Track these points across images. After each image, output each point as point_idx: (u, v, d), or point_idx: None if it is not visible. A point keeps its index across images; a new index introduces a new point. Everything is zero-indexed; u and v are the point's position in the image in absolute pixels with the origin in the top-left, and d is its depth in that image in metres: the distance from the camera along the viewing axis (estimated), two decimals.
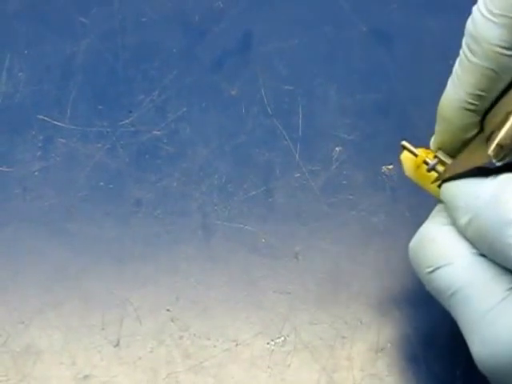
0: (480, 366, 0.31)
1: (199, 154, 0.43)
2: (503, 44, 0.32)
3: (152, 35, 0.46)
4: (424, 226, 0.34)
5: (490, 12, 0.32)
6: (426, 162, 0.35)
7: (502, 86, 0.33)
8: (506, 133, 0.31)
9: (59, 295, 0.40)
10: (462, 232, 0.32)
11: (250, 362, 0.38)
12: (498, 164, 0.32)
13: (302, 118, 0.44)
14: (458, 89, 0.34)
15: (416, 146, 0.36)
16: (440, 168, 0.35)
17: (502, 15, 0.32)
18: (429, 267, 0.33)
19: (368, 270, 0.40)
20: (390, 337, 0.39)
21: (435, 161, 0.35)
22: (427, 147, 0.36)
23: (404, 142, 0.36)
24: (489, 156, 0.31)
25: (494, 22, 0.32)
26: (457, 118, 0.34)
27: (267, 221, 0.41)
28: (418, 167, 0.36)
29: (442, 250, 0.32)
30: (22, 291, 0.40)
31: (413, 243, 0.34)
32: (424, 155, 0.35)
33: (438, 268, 0.32)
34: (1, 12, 0.47)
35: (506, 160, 0.32)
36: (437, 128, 0.35)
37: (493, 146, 0.31)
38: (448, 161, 0.35)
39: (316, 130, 0.43)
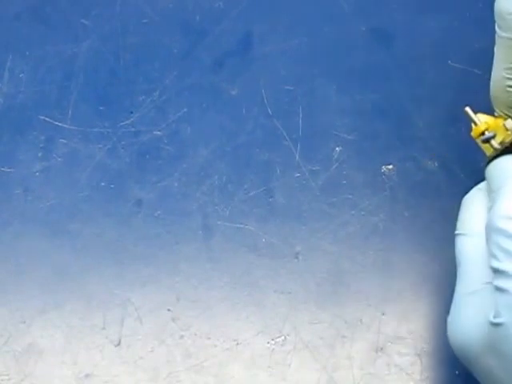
0: (449, 338, 0.33)
1: (200, 155, 0.43)
2: None
3: (153, 36, 0.46)
4: (478, 186, 0.35)
5: None
6: (482, 133, 0.35)
7: None
8: None
9: (60, 295, 0.40)
10: (488, 212, 0.33)
11: (250, 361, 0.39)
12: None
13: (302, 118, 0.44)
14: (496, 68, 0.34)
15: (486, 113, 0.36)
16: (494, 142, 0.35)
17: None
18: (457, 229, 0.35)
19: (368, 270, 0.40)
20: (389, 336, 0.39)
21: (491, 134, 0.35)
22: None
23: (467, 108, 0.36)
24: None
25: None
26: (501, 95, 0.35)
27: (267, 221, 0.41)
28: (479, 135, 0.35)
29: (468, 219, 0.34)
30: (24, 291, 0.40)
31: (465, 197, 0.35)
32: (483, 127, 0.35)
33: (459, 234, 0.34)
34: (2, 13, 0.47)
35: None
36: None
37: None
38: None
39: (316, 130, 0.43)
